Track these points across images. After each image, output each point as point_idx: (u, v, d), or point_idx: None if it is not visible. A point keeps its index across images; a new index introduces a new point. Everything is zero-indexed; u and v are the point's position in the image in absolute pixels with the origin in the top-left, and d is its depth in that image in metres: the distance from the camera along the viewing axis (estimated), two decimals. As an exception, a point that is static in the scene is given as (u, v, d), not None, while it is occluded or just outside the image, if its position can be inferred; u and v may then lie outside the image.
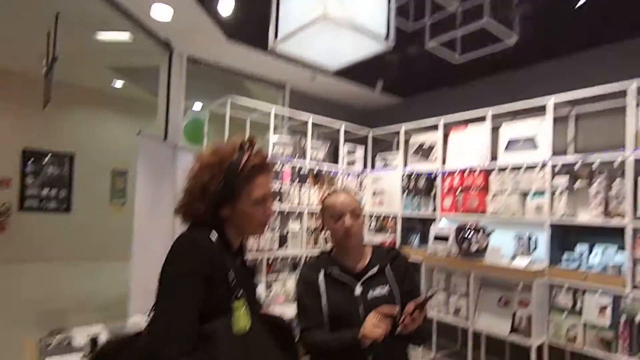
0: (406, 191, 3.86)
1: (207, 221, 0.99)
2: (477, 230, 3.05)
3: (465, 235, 3.05)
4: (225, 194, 0.99)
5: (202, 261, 0.92)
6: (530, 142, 3.04)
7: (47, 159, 6.84)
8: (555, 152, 2.91)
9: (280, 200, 3.57)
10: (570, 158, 2.85)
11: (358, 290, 1.27)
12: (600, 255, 2.71)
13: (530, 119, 3.09)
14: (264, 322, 1.01)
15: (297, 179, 3.74)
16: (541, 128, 2.98)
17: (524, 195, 3.04)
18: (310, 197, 3.81)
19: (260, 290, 3.34)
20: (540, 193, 2.93)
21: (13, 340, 3.28)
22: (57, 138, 6.88)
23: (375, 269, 1.30)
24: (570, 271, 2.74)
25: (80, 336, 1.55)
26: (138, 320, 1.78)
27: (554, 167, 2.87)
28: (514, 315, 2.85)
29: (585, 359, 2.67)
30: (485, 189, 3.27)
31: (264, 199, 1.04)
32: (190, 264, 0.92)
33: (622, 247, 2.58)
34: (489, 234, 3.08)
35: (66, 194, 7.03)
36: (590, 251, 2.79)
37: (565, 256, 2.85)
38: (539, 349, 2.76)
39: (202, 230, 0.98)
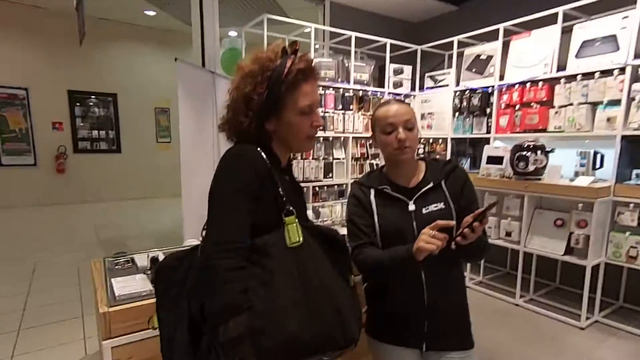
0: (458, 111, 3.65)
1: (253, 137, 0.95)
2: (535, 149, 2.87)
3: (523, 154, 2.89)
4: (269, 105, 0.93)
5: (250, 176, 0.89)
6: (610, 42, 2.68)
7: (91, 100, 7.12)
8: (638, 54, 2.57)
9: (323, 127, 3.52)
10: (657, 59, 2.51)
11: (412, 206, 1.20)
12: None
13: (608, 17, 2.71)
14: (316, 236, 0.98)
15: (341, 105, 3.64)
16: (626, 23, 2.60)
17: (594, 106, 2.78)
18: (355, 123, 3.72)
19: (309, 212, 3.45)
20: (614, 103, 2.65)
21: (81, 265, 3.75)
22: (98, 77, 7.04)
23: (430, 185, 1.23)
24: (638, 187, 2.56)
25: (141, 259, 1.63)
26: (194, 243, 1.86)
27: (635, 69, 2.55)
28: (569, 236, 2.77)
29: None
30: (548, 103, 3.01)
31: (310, 109, 0.97)
32: (239, 179, 0.89)
33: None
34: (548, 153, 2.90)
35: (115, 135, 7.39)
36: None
37: (635, 172, 2.65)
38: (595, 268, 2.70)
39: (249, 146, 0.94)
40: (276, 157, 0.99)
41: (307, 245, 0.93)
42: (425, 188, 1.23)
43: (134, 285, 1.39)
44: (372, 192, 1.27)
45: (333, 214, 3.64)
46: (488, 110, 3.38)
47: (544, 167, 2.90)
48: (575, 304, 2.90)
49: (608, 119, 2.70)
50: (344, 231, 1.33)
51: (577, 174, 2.86)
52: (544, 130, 3.03)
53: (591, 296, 2.72)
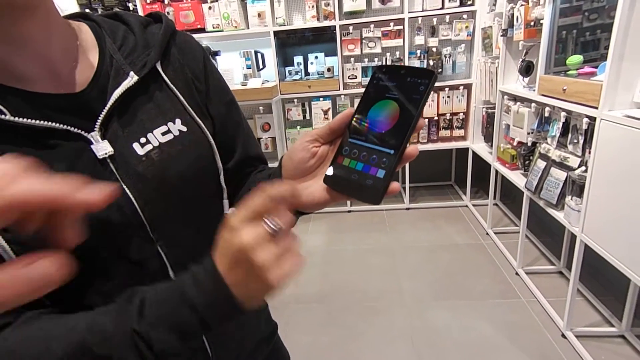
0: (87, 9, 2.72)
1: None
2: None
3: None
4: None
5: None
6: None
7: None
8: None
9: None
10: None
11: (103, 146, 0.45)
12: (316, 63, 3.00)
13: None
14: None
15: None
16: None
17: (243, 0, 2.78)
18: None
19: None
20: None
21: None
22: None
23: (129, 79, 0.48)
24: (296, 83, 2.92)
25: None
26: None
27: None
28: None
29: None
30: (200, -3, 2.75)
31: None
32: None
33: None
34: (215, 56, 2.75)
35: None
36: (306, 60, 3.02)
37: (287, 70, 2.97)
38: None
39: None
40: None
41: None
42: (119, 89, 0.47)
43: None
44: None
45: None
46: (130, 6, 2.71)
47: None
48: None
49: (259, 14, 2.79)
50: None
51: (246, 77, 2.90)
52: (204, 30, 2.80)
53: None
